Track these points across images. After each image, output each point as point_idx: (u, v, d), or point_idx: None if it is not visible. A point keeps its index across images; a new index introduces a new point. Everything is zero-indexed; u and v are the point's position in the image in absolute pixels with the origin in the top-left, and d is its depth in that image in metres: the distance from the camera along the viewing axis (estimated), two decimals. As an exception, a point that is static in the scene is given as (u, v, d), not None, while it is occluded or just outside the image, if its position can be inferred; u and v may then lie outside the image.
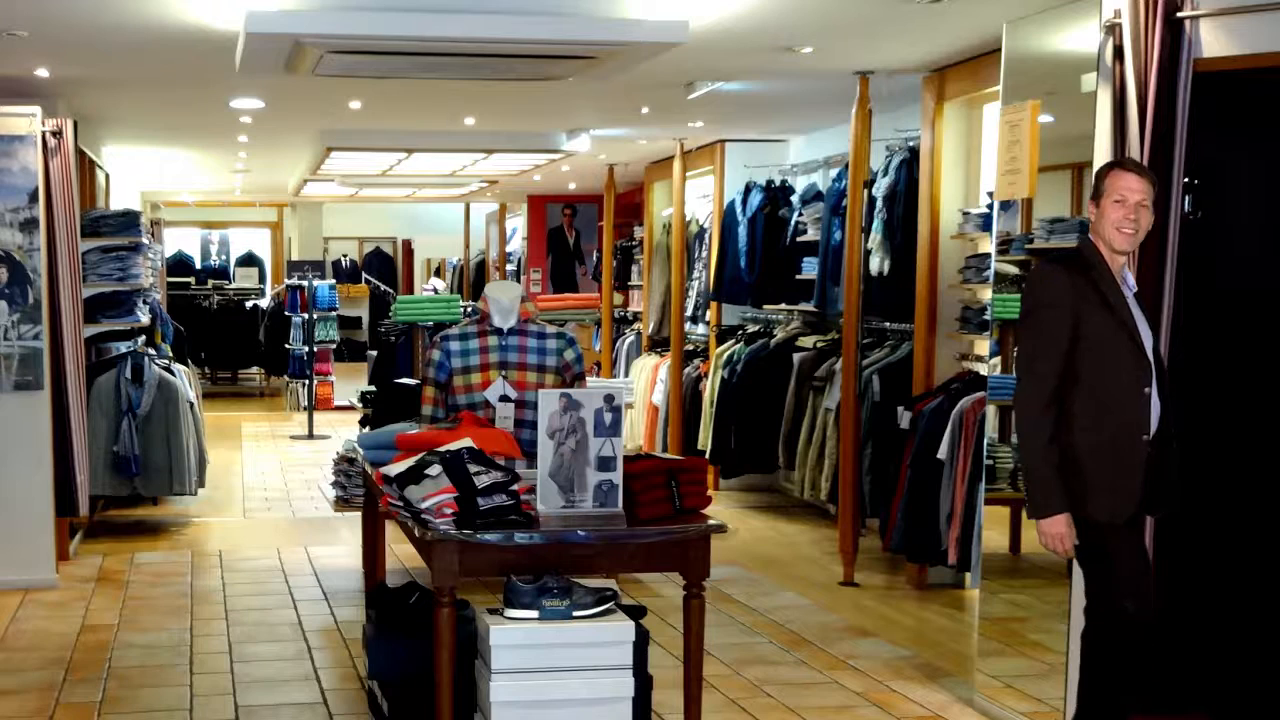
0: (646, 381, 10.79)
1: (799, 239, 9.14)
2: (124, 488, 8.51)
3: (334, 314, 14.83)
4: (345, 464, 7.74)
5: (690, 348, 10.58)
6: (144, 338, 9.12)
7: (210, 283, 19.31)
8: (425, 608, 4.79)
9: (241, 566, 7.84)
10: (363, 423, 7.96)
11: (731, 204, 9.83)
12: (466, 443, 4.47)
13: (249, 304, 18.03)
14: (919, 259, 7.28)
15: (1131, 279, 4.25)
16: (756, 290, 9.53)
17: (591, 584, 4.42)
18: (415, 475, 4.39)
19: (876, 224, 7.71)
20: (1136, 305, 4.19)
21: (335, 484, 7.92)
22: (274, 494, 10.39)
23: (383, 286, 21.09)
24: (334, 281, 15.63)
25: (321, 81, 6.86)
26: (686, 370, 10.22)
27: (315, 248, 21.57)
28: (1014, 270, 5.68)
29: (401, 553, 7.75)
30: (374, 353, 10.68)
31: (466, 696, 4.47)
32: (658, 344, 11.25)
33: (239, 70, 6.38)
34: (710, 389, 9.61)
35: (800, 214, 9.17)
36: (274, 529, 9.02)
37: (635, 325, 12.37)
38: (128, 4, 5.58)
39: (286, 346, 14.99)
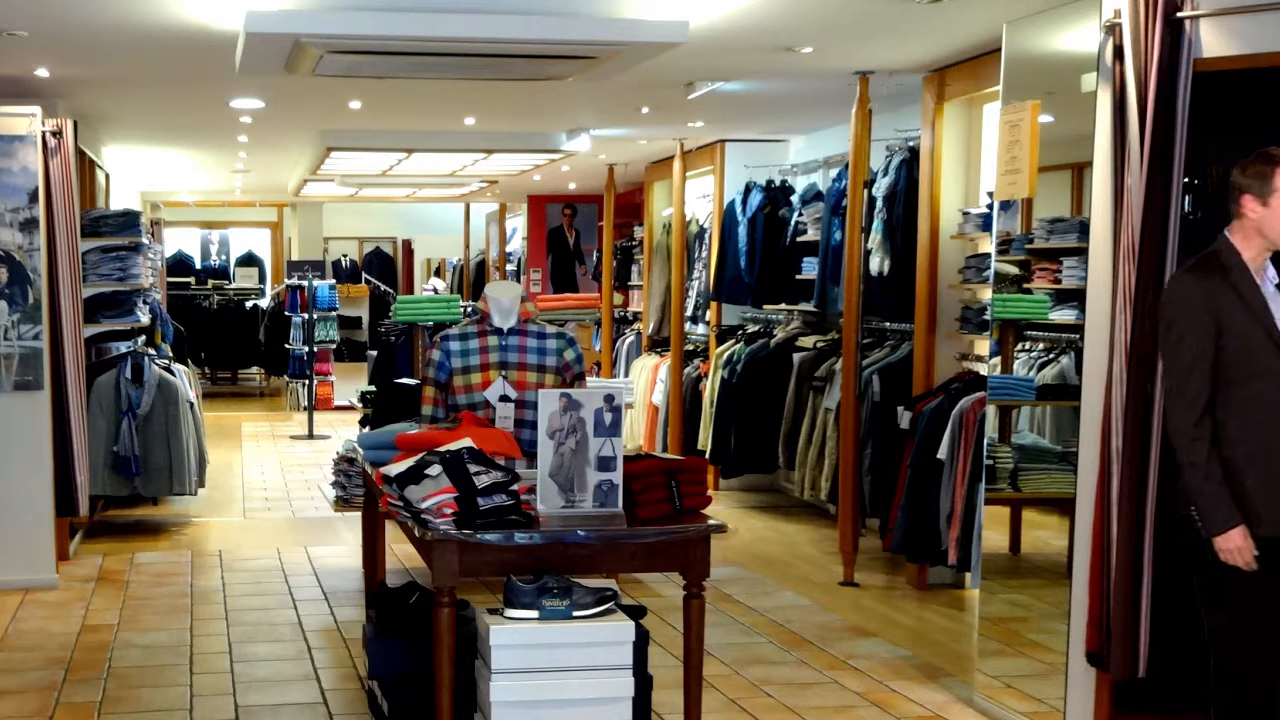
0: (646, 381, 10.79)
1: (799, 239, 9.14)
2: (124, 488, 8.51)
3: (334, 314, 14.83)
4: (345, 464, 7.74)
5: (690, 348, 10.58)
6: (144, 338, 9.12)
7: (210, 283, 19.32)
8: (425, 608, 4.79)
9: (241, 566, 7.84)
10: (363, 423, 7.96)
11: (731, 204, 9.83)
12: (466, 443, 4.47)
13: (249, 304, 18.03)
14: (919, 259, 7.28)
15: (1273, 271, 4.06)
16: (756, 290, 9.53)
17: (591, 584, 4.42)
18: (415, 475, 4.39)
19: (876, 224, 7.71)
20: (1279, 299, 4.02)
21: (335, 484, 7.92)
22: (274, 494, 10.39)
23: (383, 286, 21.09)
24: (334, 281, 15.63)
25: (321, 81, 6.86)
26: (686, 370, 10.22)
27: (315, 248, 21.57)
28: (1014, 270, 5.68)
29: (401, 553, 7.75)
30: (374, 353, 10.68)
31: (466, 696, 4.47)
32: (658, 344, 11.25)
33: (239, 70, 6.38)
34: (710, 389, 9.61)
35: (800, 214, 9.17)
36: (274, 529, 9.02)
37: (635, 325, 12.37)
38: (128, 4, 5.58)
39: (286, 346, 14.99)
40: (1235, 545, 3.94)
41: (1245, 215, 3.99)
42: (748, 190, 9.72)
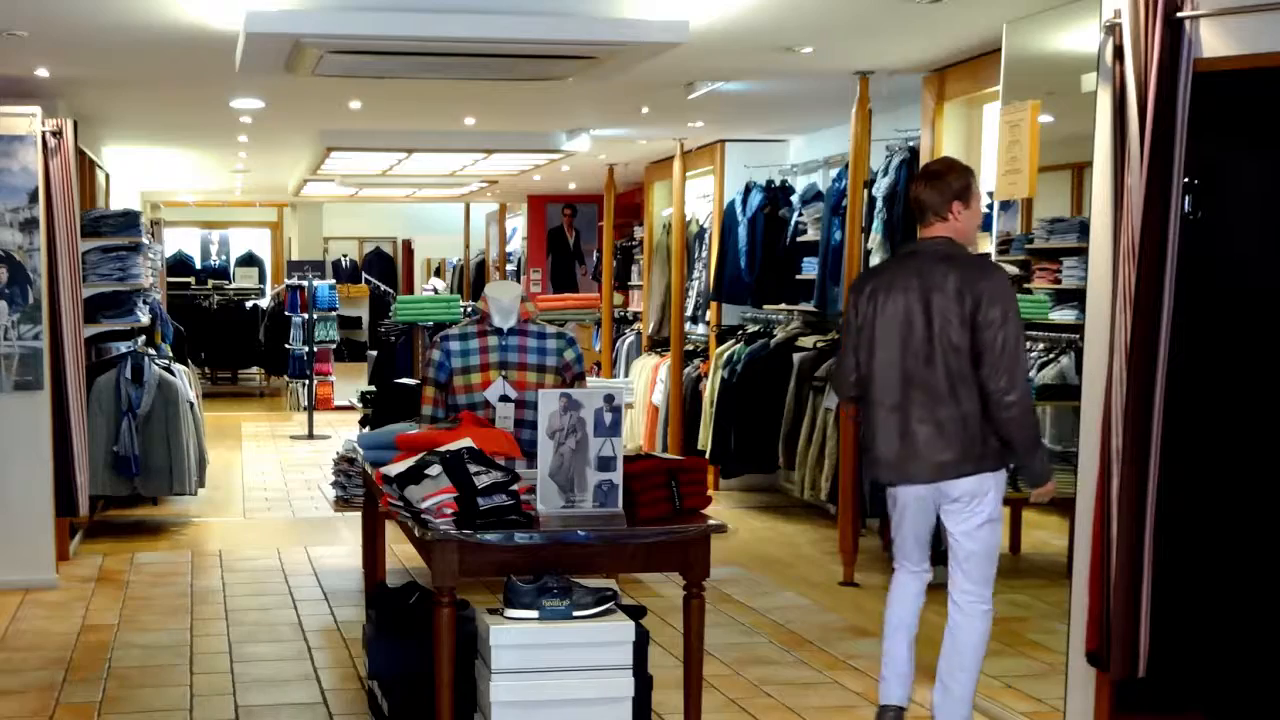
0: (646, 381, 10.79)
1: (799, 239, 9.14)
2: (124, 488, 8.51)
3: (334, 314, 14.83)
4: (345, 464, 7.74)
5: (690, 348, 10.57)
6: (144, 338, 9.12)
7: (210, 283, 19.31)
8: (425, 608, 4.79)
9: (241, 566, 7.84)
10: (363, 423, 7.96)
11: (731, 204, 9.83)
12: (466, 443, 4.47)
13: (249, 304, 18.03)
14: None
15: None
16: (756, 290, 9.53)
17: (591, 584, 4.42)
18: (415, 475, 4.39)
19: (876, 224, 7.71)
20: None
21: (335, 484, 7.92)
22: (274, 494, 10.39)
23: (383, 286, 21.08)
24: (334, 281, 15.63)
25: (321, 81, 6.86)
26: (686, 370, 10.22)
27: (315, 248, 21.57)
28: (1014, 270, 5.68)
29: (401, 553, 7.75)
30: (374, 353, 10.68)
31: (466, 696, 4.48)
32: (658, 344, 11.25)
33: (239, 70, 6.38)
34: (710, 389, 9.61)
35: (800, 214, 9.18)
36: (274, 529, 9.02)
37: (635, 325, 12.37)
38: (128, 4, 5.58)
39: (286, 346, 14.99)
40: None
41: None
42: (748, 190, 9.72)
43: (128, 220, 8.55)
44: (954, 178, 4.63)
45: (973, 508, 4.64)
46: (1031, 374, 5.92)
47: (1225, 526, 4.94)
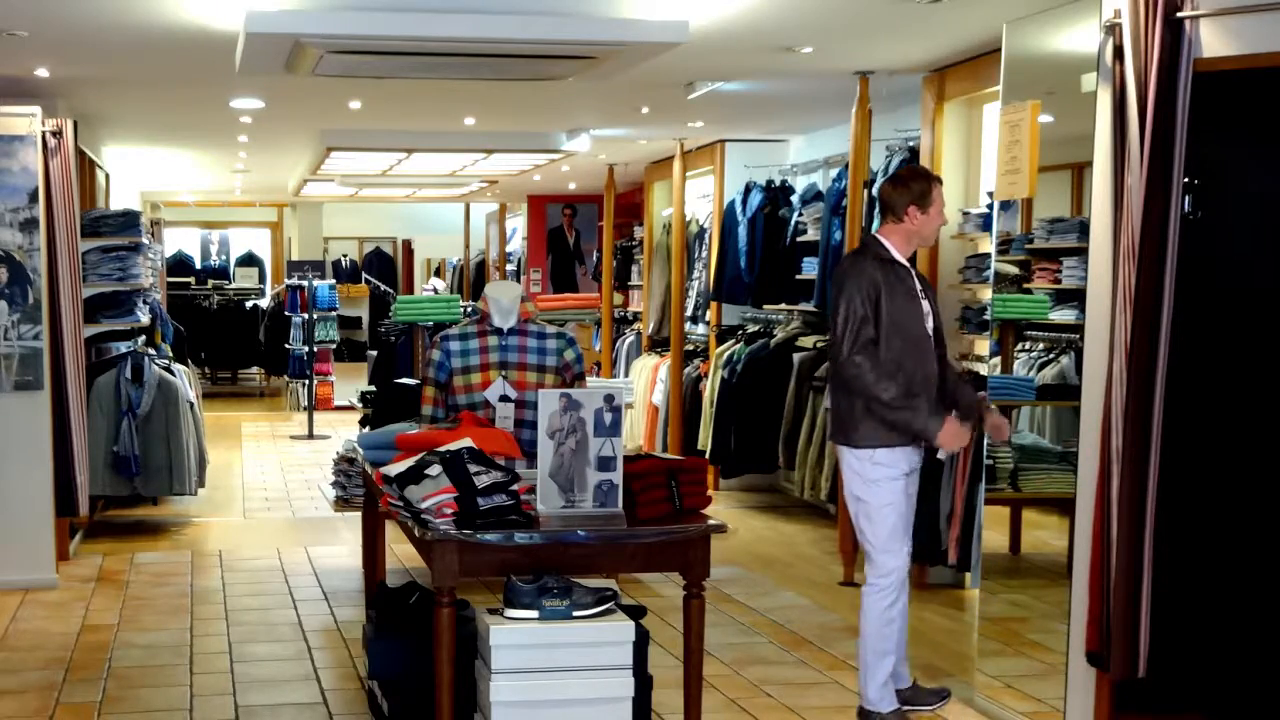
0: (646, 381, 10.78)
1: (799, 239, 9.14)
2: (124, 488, 8.51)
3: (334, 314, 14.83)
4: (345, 464, 7.74)
5: (690, 348, 10.58)
6: (144, 338, 9.12)
7: (210, 283, 19.32)
8: (425, 608, 4.79)
9: (241, 566, 7.84)
10: (363, 423, 7.96)
11: (731, 204, 9.83)
12: (466, 443, 4.47)
13: (249, 304, 18.03)
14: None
15: None
16: (756, 290, 9.53)
17: (591, 584, 4.42)
18: (415, 475, 4.39)
19: (876, 224, 7.70)
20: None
21: (335, 484, 7.92)
22: (274, 494, 10.39)
23: (383, 286, 21.09)
24: (334, 281, 15.63)
25: (321, 81, 6.86)
26: (686, 370, 10.22)
27: (315, 248, 21.57)
28: (1014, 270, 5.68)
29: (401, 553, 7.75)
30: (374, 353, 10.68)
31: (466, 696, 4.48)
32: (658, 344, 11.25)
33: (239, 70, 6.38)
34: (710, 389, 9.61)
35: (800, 214, 9.17)
36: (274, 529, 9.02)
37: (635, 325, 12.37)
38: (128, 4, 5.58)
39: (286, 346, 14.99)
40: (954, 431, 4.92)
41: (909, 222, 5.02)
42: (748, 190, 9.72)
43: (128, 220, 8.55)
44: (915, 183, 5.04)
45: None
46: (1031, 374, 5.92)
47: (1225, 527, 4.95)
